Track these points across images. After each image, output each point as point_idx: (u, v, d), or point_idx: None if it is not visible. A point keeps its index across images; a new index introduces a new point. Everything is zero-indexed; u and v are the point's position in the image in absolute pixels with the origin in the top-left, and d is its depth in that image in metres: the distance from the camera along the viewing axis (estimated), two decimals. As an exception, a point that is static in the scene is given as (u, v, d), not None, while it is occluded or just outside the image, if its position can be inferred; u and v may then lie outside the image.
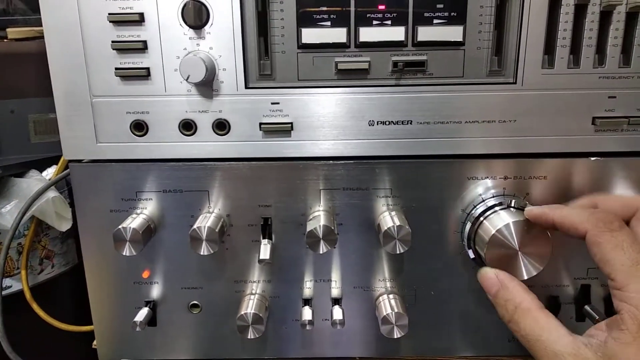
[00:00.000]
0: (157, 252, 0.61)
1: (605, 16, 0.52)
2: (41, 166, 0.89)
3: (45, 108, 0.88)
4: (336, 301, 0.62)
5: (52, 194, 0.83)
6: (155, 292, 0.63)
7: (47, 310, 0.84)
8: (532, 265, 0.52)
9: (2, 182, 0.86)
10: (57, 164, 0.86)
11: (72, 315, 0.89)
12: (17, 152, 0.89)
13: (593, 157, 0.57)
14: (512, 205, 0.55)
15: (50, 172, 0.89)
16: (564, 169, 0.57)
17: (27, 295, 0.85)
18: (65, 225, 0.85)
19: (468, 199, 0.58)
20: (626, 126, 0.55)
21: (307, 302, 0.62)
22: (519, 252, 0.52)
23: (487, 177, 0.57)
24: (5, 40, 0.90)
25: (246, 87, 0.54)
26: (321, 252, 0.55)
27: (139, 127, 0.56)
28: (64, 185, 0.90)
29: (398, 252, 0.54)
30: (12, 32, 0.90)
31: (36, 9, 0.88)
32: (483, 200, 0.57)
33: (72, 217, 0.84)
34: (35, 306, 0.85)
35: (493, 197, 0.57)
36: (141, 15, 0.52)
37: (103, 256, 0.61)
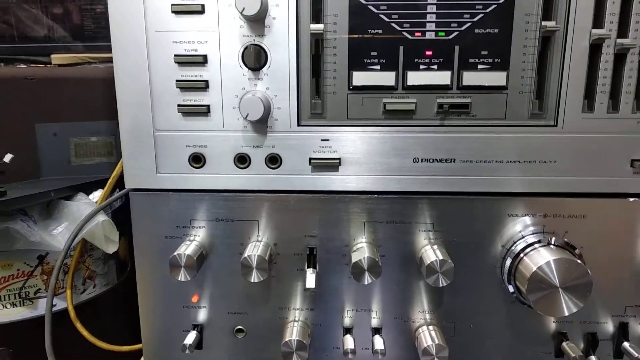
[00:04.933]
0: (206, 278, 0.64)
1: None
2: (85, 189, 0.93)
3: (85, 132, 0.92)
4: (376, 331, 0.64)
5: (101, 217, 0.86)
6: (203, 316, 0.66)
7: (89, 328, 0.87)
8: (573, 302, 0.54)
9: (52, 204, 0.90)
10: (102, 187, 0.90)
11: (113, 334, 0.92)
12: (58, 174, 0.93)
13: (632, 197, 0.58)
14: (552, 242, 0.57)
15: (96, 196, 0.93)
16: (603, 208, 0.59)
17: (72, 314, 0.88)
18: (112, 248, 0.88)
19: (508, 235, 0.60)
20: (664, 169, 0.57)
21: (347, 330, 0.65)
22: (560, 289, 0.53)
23: (527, 215, 0.59)
24: (49, 65, 0.95)
25: (298, 125, 0.58)
26: (366, 282, 0.57)
27: (197, 160, 0.59)
28: (108, 208, 0.94)
29: (440, 285, 0.57)
30: (57, 58, 0.95)
31: (76, 37, 0.93)
32: (523, 237, 0.59)
33: (117, 240, 0.88)
34: (79, 325, 0.88)
35: (533, 234, 0.59)
36: (205, 57, 0.56)
37: (156, 280, 0.64)
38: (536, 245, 0.57)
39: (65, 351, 0.82)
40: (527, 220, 0.60)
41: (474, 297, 0.62)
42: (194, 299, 0.65)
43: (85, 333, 0.88)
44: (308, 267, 0.62)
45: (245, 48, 0.55)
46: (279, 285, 0.64)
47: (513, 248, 0.59)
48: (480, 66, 0.55)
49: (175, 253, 0.59)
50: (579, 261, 0.54)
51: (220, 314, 0.66)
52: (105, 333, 0.91)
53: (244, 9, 0.51)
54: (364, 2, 0.54)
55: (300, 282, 0.63)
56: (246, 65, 0.56)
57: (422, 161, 0.59)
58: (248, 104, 0.55)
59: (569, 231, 0.59)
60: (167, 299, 0.65)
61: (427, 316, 0.64)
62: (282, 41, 0.55)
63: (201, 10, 0.55)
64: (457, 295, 0.63)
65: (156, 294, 0.65)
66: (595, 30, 0.54)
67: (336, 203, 0.61)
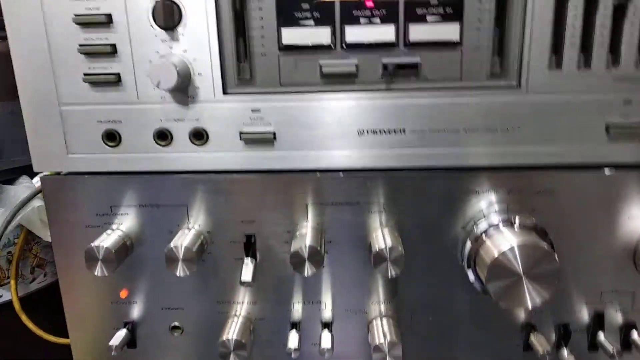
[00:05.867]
0: (134, 270, 0.57)
1: (619, 10, 0.46)
2: (30, 172, 0.86)
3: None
4: (326, 325, 0.57)
5: (38, 202, 0.80)
6: (135, 312, 0.59)
7: (39, 319, 0.81)
8: (538, 293, 0.47)
9: (-7, 188, 0.84)
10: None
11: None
12: (21, 155, 0.86)
13: (607, 168, 0.51)
14: (516, 222, 0.50)
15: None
16: (574, 182, 0.51)
17: (16, 306, 0.82)
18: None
19: (468, 215, 0.53)
20: (645, 134, 0.49)
21: (295, 325, 0.58)
22: (523, 278, 0.46)
23: (489, 191, 0.52)
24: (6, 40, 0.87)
25: (224, 93, 0.50)
26: (306, 274, 0.50)
27: (111, 137, 0.52)
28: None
29: (390, 275, 0.49)
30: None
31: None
32: (484, 217, 0.52)
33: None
34: (24, 317, 0.82)
35: (495, 212, 0.52)
36: (109, 16, 0.48)
37: (79, 274, 0.58)
38: (499, 226, 0.50)
39: (11, 343, 0.76)
40: (489, 197, 0.52)
41: (433, 285, 0.55)
42: (123, 294, 0.58)
43: (31, 326, 0.82)
44: (246, 256, 0.55)
45: (155, 4, 0.47)
46: (216, 277, 0.57)
47: (474, 229, 0.51)
48: (429, 18, 0.47)
49: (91, 244, 0.52)
50: (546, 245, 0.46)
51: (153, 310, 0.59)
52: (61, 324, 0.86)
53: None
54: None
55: (239, 273, 0.56)
56: (158, 25, 0.48)
57: (367, 133, 0.51)
58: (158, 70, 0.47)
59: (536, 209, 0.52)
60: (93, 296, 0.59)
61: (382, 307, 0.57)
62: (197, -5, 0.47)
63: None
64: (415, 284, 0.55)
65: (81, 290, 0.58)
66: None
67: (274, 183, 0.53)
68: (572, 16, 0.47)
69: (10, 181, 0.85)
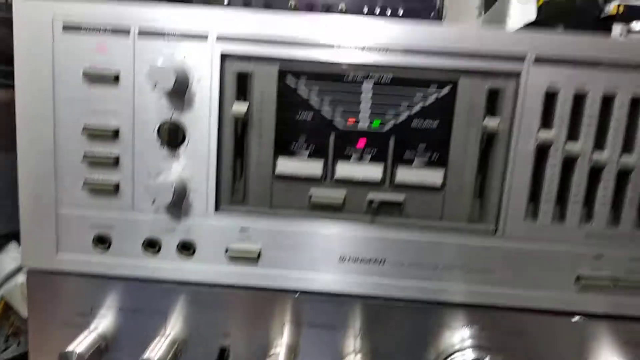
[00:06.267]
0: (108, 373, 0.57)
1: (595, 173, 0.50)
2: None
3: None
4: None
5: (22, 278, 0.79)
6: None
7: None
8: None
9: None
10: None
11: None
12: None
13: (575, 316, 0.53)
14: (487, 361, 0.51)
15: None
16: (544, 326, 0.53)
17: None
18: (31, 314, 0.81)
19: (440, 347, 0.54)
20: (612, 288, 0.51)
21: None
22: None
23: (462, 328, 0.54)
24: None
25: (216, 210, 0.52)
26: (275, 397, 0.50)
27: (102, 241, 0.53)
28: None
29: (359, 403, 0.50)
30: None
31: None
32: (456, 352, 0.53)
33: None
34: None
35: (467, 349, 0.53)
36: (116, 131, 0.51)
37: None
38: (472, 363, 0.51)
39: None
40: (462, 333, 0.54)
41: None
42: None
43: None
44: (218, 370, 0.55)
45: (162, 123, 0.50)
46: (188, 387, 0.57)
47: (446, 364, 0.52)
48: (416, 161, 0.51)
49: (64, 350, 0.52)
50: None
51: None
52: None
53: (156, 83, 0.47)
54: (293, 87, 0.50)
55: (210, 385, 0.56)
56: (162, 142, 0.51)
57: (349, 260, 0.53)
58: (156, 188, 0.49)
59: (506, 347, 0.53)
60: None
61: None
62: (202, 119, 0.51)
63: (116, 79, 0.50)
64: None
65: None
66: (541, 133, 0.50)
67: (254, 300, 0.55)
68: (549, 174, 0.50)
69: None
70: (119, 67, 0.50)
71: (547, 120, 0.50)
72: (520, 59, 0.49)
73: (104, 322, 0.56)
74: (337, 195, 0.52)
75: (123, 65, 0.50)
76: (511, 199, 0.51)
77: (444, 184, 0.51)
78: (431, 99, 0.50)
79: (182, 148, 0.51)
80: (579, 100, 0.49)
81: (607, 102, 0.49)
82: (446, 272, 0.52)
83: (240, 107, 0.50)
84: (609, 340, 0.53)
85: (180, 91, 0.49)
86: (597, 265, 0.52)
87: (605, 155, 0.50)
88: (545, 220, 0.51)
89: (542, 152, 0.51)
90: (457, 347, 0.54)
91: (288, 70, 0.50)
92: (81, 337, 0.54)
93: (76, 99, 0.51)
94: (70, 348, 0.52)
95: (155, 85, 0.47)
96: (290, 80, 0.50)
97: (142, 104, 0.50)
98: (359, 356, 0.53)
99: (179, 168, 0.52)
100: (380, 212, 0.52)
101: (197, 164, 0.51)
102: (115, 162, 0.52)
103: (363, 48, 0.49)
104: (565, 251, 0.52)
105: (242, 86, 0.51)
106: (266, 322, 0.55)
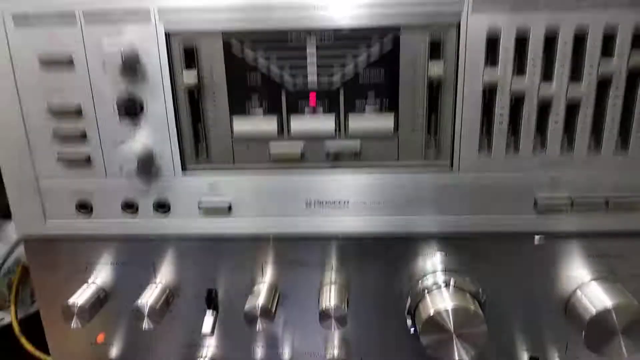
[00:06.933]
0: (110, 318, 0.64)
1: (546, 105, 0.51)
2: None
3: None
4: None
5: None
6: (113, 353, 0.65)
7: (39, 338, 0.87)
8: (466, 350, 0.52)
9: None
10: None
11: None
12: None
13: (536, 236, 0.56)
14: (453, 284, 0.55)
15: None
16: (508, 248, 0.57)
17: (16, 329, 0.88)
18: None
19: (410, 274, 0.58)
20: (570, 208, 0.54)
21: (257, 366, 0.64)
22: (454, 336, 0.52)
23: (428, 255, 0.57)
24: None
25: (183, 170, 0.55)
26: (258, 329, 0.56)
27: (84, 206, 0.57)
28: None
29: (333, 330, 0.55)
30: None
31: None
32: (424, 275, 0.57)
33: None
34: (23, 340, 0.88)
35: (434, 273, 0.57)
36: (79, 108, 0.53)
37: (61, 322, 0.63)
38: (439, 286, 0.55)
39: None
40: (429, 260, 0.58)
41: (382, 331, 0.61)
42: (100, 338, 0.65)
43: (29, 347, 0.88)
44: (208, 308, 0.61)
45: (119, 97, 0.52)
46: (183, 324, 0.63)
47: (416, 287, 0.57)
48: (367, 110, 0.52)
49: (67, 302, 0.58)
50: (477, 309, 0.52)
51: (128, 352, 0.65)
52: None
53: (104, 63, 0.48)
54: (240, 55, 0.51)
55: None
56: (120, 114, 0.53)
57: (314, 204, 0.56)
58: (120, 156, 0.52)
59: (472, 270, 0.57)
60: (75, 340, 0.65)
61: (335, 352, 0.63)
62: (157, 89, 0.52)
63: (70, 62, 0.52)
64: (365, 333, 0.61)
65: (64, 335, 0.65)
66: (487, 75, 0.50)
67: (231, 247, 0.59)
68: (498, 113, 0.51)
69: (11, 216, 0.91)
70: (71, 51, 0.51)
71: (493, 60, 0.50)
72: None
73: (100, 276, 0.61)
74: (294, 148, 0.54)
75: (75, 49, 0.51)
76: (463, 136, 0.52)
77: (396, 128, 0.52)
78: (375, 52, 0.50)
79: (143, 118, 0.53)
80: (522, 41, 0.49)
81: (550, 41, 0.48)
82: (408, 207, 0.55)
83: (189, 78, 0.51)
84: (571, 258, 0.56)
85: (131, 67, 0.51)
86: (554, 188, 0.54)
87: (554, 88, 0.50)
88: (499, 153, 0.53)
89: (490, 91, 0.51)
90: (423, 272, 0.58)
91: (232, 39, 0.51)
92: (80, 290, 0.60)
93: (36, 84, 0.53)
94: (71, 300, 0.57)
95: (104, 66, 0.48)
96: (235, 49, 0.51)
97: (98, 81, 0.52)
98: (334, 286, 0.58)
99: (142, 136, 0.54)
100: (339, 157, 0.54)
101: (158, 130, 0.54)
102: (83, 135, 0.54)
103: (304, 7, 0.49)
104: (522, 177, 0.53)
105: (190, 56, 0.51)
106: (247, 265, 0.60)
